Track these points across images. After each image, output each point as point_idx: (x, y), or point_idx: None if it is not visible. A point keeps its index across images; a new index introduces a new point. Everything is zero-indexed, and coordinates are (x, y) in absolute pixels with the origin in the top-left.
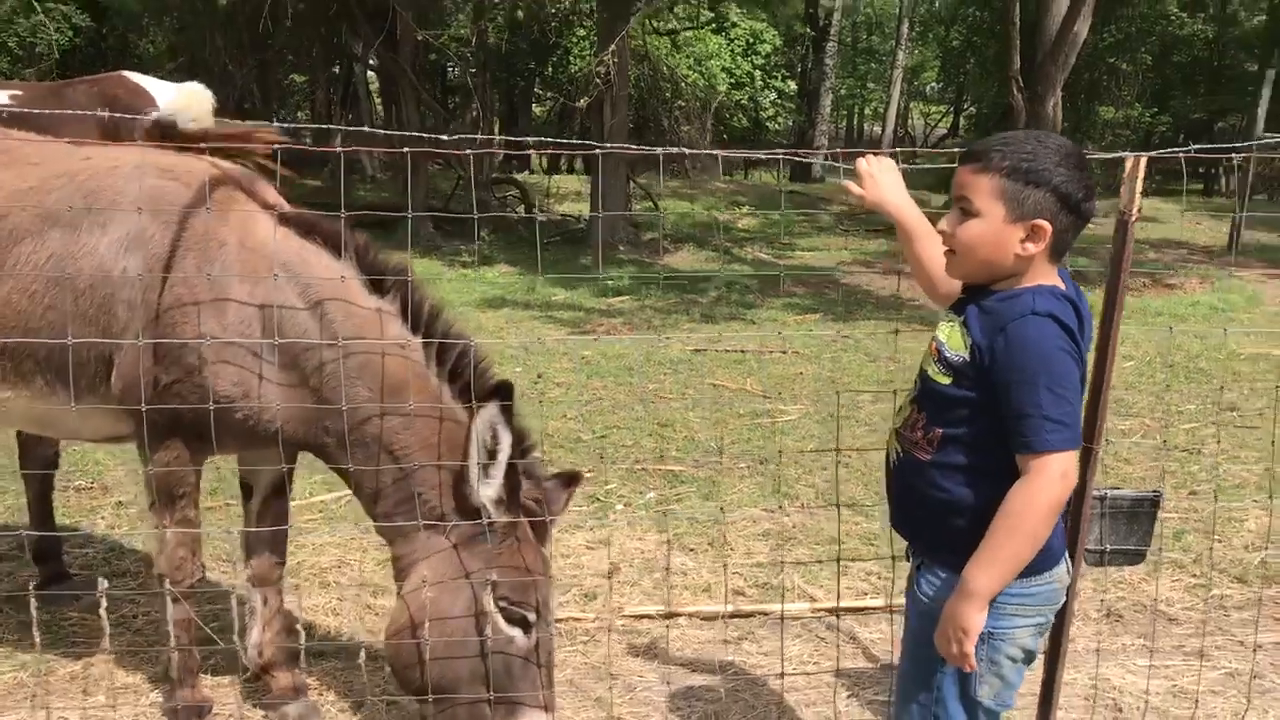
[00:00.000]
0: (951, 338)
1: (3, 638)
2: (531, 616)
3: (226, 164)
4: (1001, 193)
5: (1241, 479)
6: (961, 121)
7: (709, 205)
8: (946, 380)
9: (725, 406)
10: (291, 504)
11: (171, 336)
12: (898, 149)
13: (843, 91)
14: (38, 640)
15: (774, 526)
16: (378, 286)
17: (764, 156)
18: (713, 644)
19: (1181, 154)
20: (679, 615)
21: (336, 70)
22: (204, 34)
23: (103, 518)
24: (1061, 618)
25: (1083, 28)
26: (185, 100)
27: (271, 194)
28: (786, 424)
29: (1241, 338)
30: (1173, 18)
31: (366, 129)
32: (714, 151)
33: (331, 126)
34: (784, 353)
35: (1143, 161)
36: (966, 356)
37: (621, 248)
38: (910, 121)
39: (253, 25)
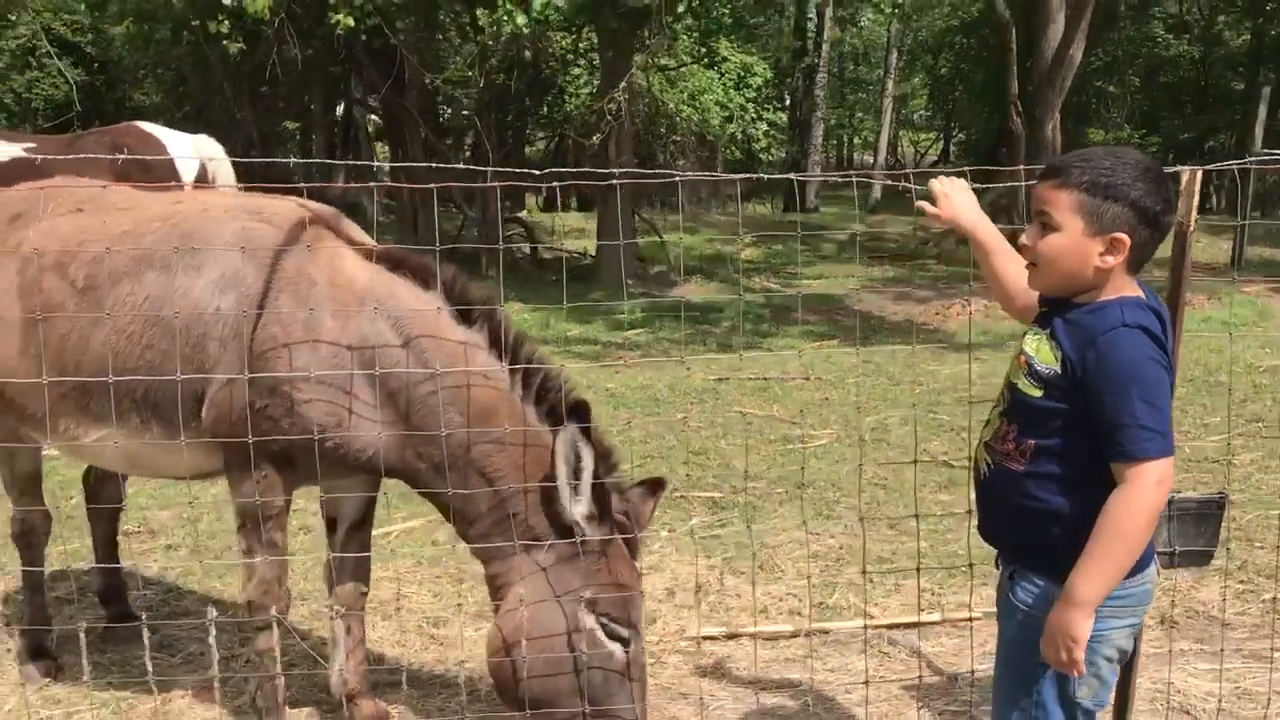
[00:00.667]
0: (1040, 351)
1: (79, 678)
2: (628, 632)
3: (314, 204)
4: (1080, 207)
5: (1275, 487)
6: (952, 148)
7: (709, 237)
8: (1038, 393)
9: (755, 433)
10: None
11: (267, 370)
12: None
13: (833, 121)
14: (150, 668)
15: (820, 548)
16: (466, 317)
17: (839, 178)
18: (777, 663)
19: (1236, 166)
20: (747, 635)
21: (338, 114)
22: (210, 83)
23: (155, 560)
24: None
25: (1077, 51)
26: (203, 150)
27: (358, 232)
28: (819, 448)
29: (1259, 350)
30: (1159, 39)
31: (373, 167)
32: (821, 175)
33: (335, 162)
34: (806, 379)
35: (1199, 175)
36: (1058, 369)
37: (630, 281)
38: (900, 149)
39: (258, 74)
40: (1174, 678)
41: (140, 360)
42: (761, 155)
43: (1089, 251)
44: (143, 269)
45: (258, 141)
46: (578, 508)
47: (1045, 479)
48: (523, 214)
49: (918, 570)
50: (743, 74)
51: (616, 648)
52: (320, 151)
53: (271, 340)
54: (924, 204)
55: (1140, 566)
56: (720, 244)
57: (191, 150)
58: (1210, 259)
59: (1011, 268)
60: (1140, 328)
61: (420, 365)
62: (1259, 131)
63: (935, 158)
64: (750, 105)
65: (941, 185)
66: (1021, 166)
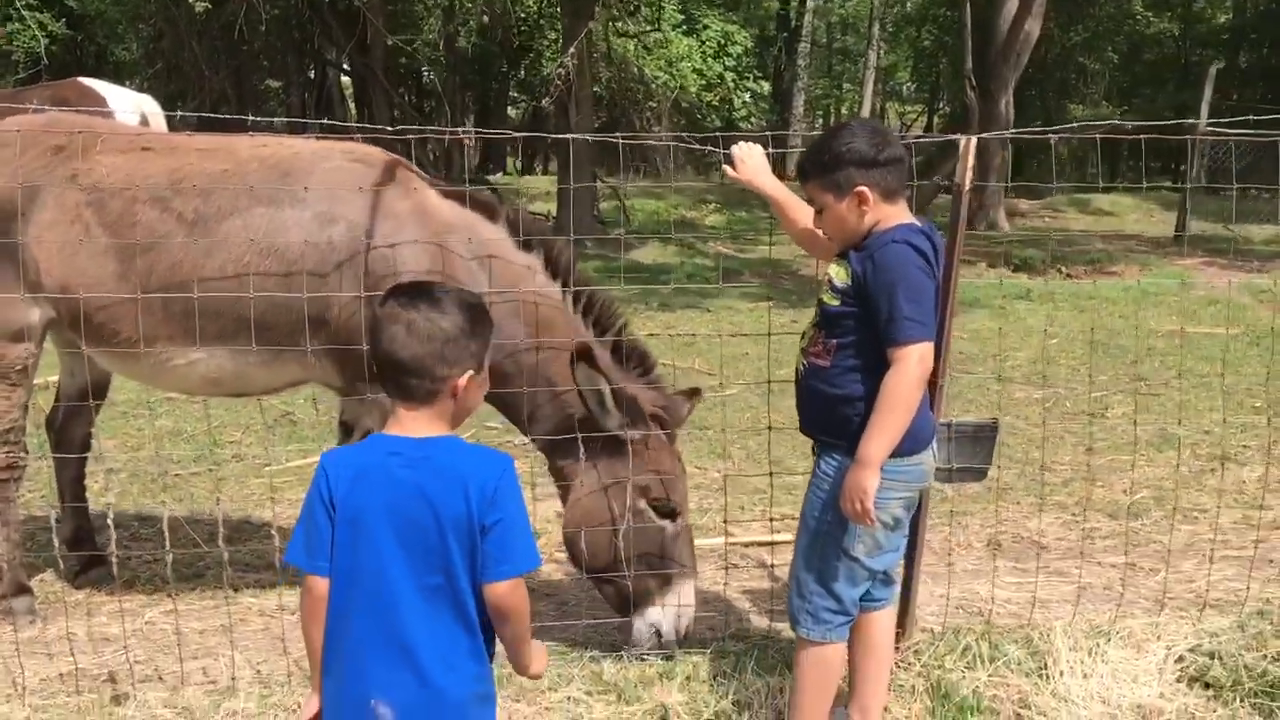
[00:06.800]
0: (838, 273)
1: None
2: (676, 508)
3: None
4: (822, 187)
5: (1136, 437)
6: (936, 120)
7: (676, 203)
8: (835, 302)
9: (673, 384)
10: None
11: (376, 288)
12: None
13: (817, 92)
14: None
15: (704, 480)
16: (526, 246)
17: (656, 141)
18: None
19: (1051, 135)
20: None
21: (311, 75)
22: (180, 40)
23: (96, 481)
24: (918, 517)
25: (1034, 27)
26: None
27: (426, 174)
28: (728, 398)
29: (1163, 317)
30: (1138, 16)
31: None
32: (648, 139)
33: (307, 120)
34: (733, 336)
35: (973, 143)
36: (849, 282)
37: (588, 244)
38: (886, 121)
39: (228, 32)
40: (983, 588)
41: (258, 286)
42: (741, 124)
43: (848, 212)
44: (251, 204)
45: (231, 98)
46: (610, 421)
47: (844, 370)
48: (496, 176)
49: (723, 488)
50: (723, 42)
51: (667, 524)
52: (295, 111)
53: (381, 259)
54: (726, 167)
55: (915, 449)
56: (685, 210)
57: (132, 106)
58: (1160, 233)
59: (802, 217)
60: (907, 243)
61: (491, 285)
62: (1204, 107)
63: (920, 132)
64: (730, 74)
65: (740, 150)
66: (963, 138)
